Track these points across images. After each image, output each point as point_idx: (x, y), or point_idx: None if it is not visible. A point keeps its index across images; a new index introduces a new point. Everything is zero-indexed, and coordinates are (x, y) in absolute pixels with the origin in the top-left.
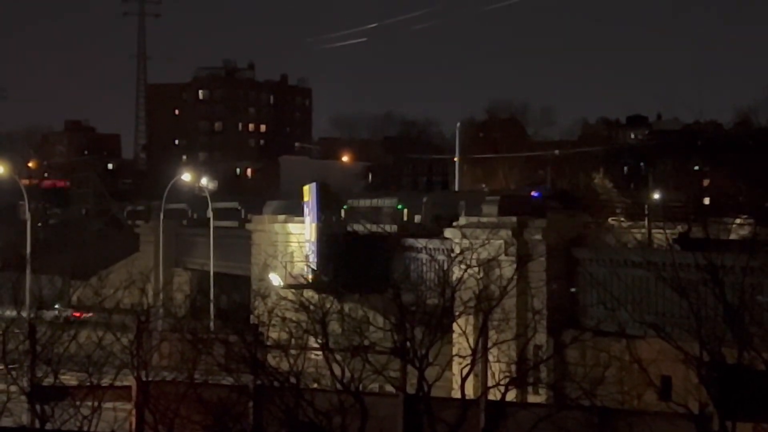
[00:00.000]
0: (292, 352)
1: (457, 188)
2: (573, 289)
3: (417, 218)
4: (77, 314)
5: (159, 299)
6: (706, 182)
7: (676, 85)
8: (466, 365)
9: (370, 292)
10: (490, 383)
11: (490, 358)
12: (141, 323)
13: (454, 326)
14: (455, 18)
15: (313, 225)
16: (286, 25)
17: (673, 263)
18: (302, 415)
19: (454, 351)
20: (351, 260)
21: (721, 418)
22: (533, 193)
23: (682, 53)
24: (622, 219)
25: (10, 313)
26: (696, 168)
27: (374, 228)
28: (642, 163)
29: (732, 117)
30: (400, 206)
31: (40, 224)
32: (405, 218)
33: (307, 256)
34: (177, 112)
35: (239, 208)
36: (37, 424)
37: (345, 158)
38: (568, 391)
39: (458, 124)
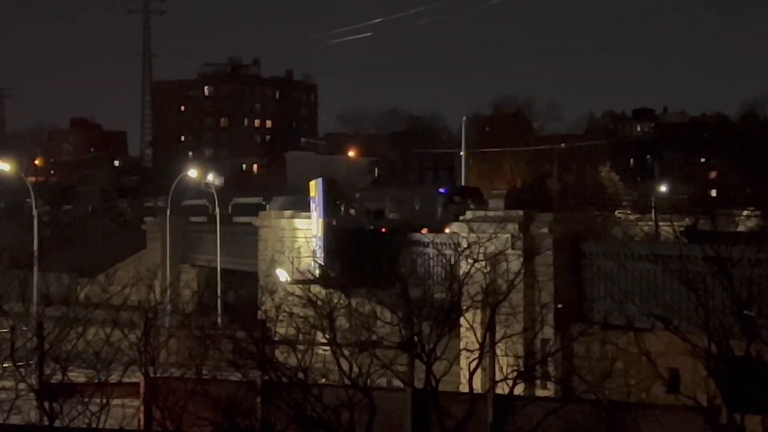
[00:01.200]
0: (300, 347)
1: (463, 183)
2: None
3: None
4: None
5: (166, 296)
6: (712, 174)
7: (682, 78)
8: (474, 359)
9: (377, 287)
10: (497, 377)
11: (498, 352)
12: (148, 320)
13: (462, 320)
14: (460, 13)
15: (320, 220)
16: (291, 21)
17: (681, 256)
18: (310, 410)
19: (462, 345)
20: (358, 255)
21: (730, 411)
22: (440, 190)
23: (688, 46)
24: (629, 212)
25: (17, 310)
26: (702, 160)
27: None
28: (648, 156)
29: (738, 109)
30: (339, 203)
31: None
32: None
33: (314, 252)
34: (183, 108)
35: (264, 203)
36: (46, 422)
37: (351, 153)
38: (575, 384)
39: (464, 119)
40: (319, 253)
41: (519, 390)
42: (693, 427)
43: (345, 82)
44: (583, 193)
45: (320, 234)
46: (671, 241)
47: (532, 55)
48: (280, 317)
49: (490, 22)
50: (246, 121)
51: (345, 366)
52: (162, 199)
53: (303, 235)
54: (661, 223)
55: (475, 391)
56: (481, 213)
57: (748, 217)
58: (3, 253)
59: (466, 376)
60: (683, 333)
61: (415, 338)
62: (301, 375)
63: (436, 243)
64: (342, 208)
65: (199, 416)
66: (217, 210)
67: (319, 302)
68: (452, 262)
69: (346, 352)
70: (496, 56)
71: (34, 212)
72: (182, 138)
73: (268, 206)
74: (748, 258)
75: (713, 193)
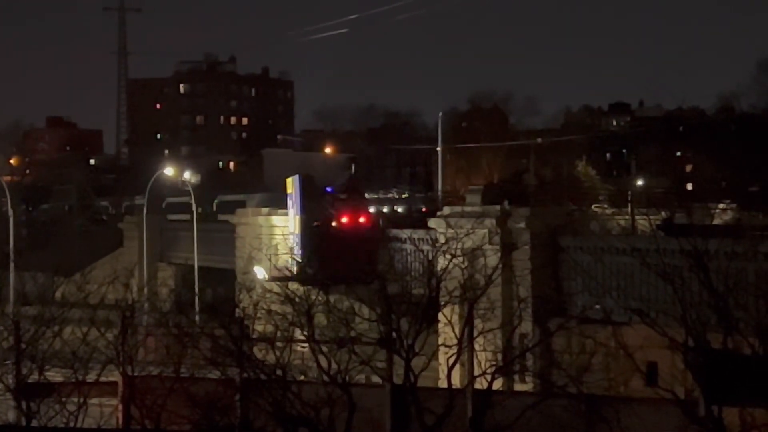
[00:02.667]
0: (278, 344)
1: (440, 179)
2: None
3: None
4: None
5: (144, 294)
6: (689, 168)
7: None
8: (453, 354)
9: (355, 283)
10: (476, 372)
11: (477, 347)
12: (126, 318)
13: (440, 316)
14: (436, 8)
15: (297, 217)
16: (267, 18)
17: (658, 249)
18: (289, 407)
19: (440, 341)
20: (336, 252)
21: (707, 403)
22: (326, 189)
23: (664, 40)
24: (606, 206)
25: None
26: (678, 154)
27: None
28: (625, 150)
29: (714, 103)
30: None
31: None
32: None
33: (291, 249)
34: (158, 106)
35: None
36: (24, 422)
37: (328, 150)
38: (554, 378)
39: (440, 115)
40: (297, 251)
41: (498, 385)
42: (671, 419)
43: (321, 78)
44: (560, 188)
45: (298, 231)
46: (648, 234)
47: (508, 50)
48: (258, 315)
49: (466, 17)
50: (222, 118)
51: (324, 363)
52: (139, 197)
53: (280, 233)
54: (637, 217)
55: (453, 387)
56: (458, 208)
57: (724, 210)
58: None
59: (444, 371)
60: (661, 326)
61: (394, 334)
62: (279, 372)
63: (414, 239)
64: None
65: (178, 414)
66: (194, 207)
67: (297, 299)
68: (430, 257)
69: (324, 349)
70: (472, 51)
71: (10, 212)
72: (158, 136)
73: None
74: (725, 251)
75: (689, 186)
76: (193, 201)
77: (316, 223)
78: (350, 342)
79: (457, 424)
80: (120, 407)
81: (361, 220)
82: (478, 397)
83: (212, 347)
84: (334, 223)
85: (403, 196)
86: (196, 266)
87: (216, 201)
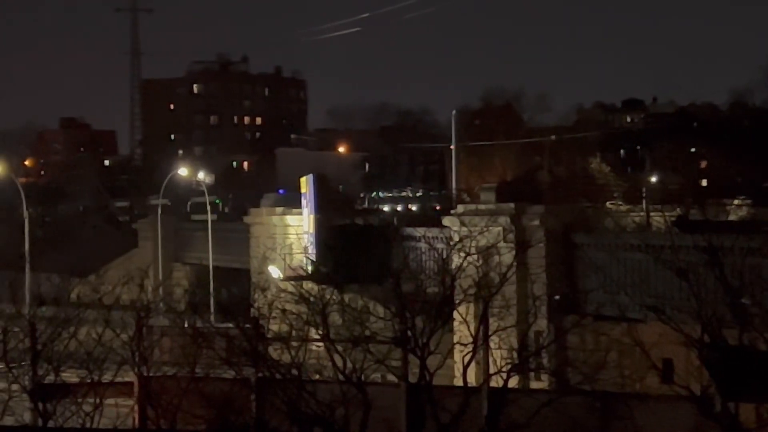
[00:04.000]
0: (293, 344)
1: (454, 177)
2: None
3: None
4: None
5: (158, 294)
6: (703, 164)
7: (671, 68)
8: (468, 353)
9: (369, 282)
10: (491, 370)
11: (492, 345)
12: (141, 319)
13: (455, 314)
14: (448, 6)
15: (311, 216)
16: (279, 18)
17: (672, 246)
18: (305, 406)
19: (455, 339)
20: (350, 251)
21: (723, 400)
22: (280, 191)
23: (677, 36)
24: (620, 203)
25: (9, 311)
26: (693, 150)
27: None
28: (638, 147)
29: (728, 98)
30: (217, 200)
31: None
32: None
33: (305, 248)
34: (172, 106)
35: (218, 201)
36: (40, 423)
37: (341, 149)
38: (569, 376)
39: (454, 113)
40: (311, 250)
41: (513, 383)
42: (687, 416)
43: (334, 77)
44: (574, 185)
45: (312, 230)
46: (663, 231)
47: (520, 47)
48: (273, 314)
49: (478, 14)
50: (235, 118)
51: (339, 362)
52: (153, 197)
53: (294, 232)
54: (652, 214)
55: (469, 385)
56: (472, 206)
57: (738, 206)
58: None
59: (460, 369)
60: (676, 323)
61: (409, 333)
62: (294, 371)
63: (428, 237)
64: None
65: (194, 414)
66: (209, 207)
67: (311, 298)
68: (444, 256)
69: (339, 348)
70: (484, 49)
71: (25, 213)
72: (172, 136)
73: (221, 204)
74: (740, 247)
75: (704, 182)
76: (207, 201)
77: None
78: (365, 341)
79: (472, 422)
80: (136, 407)
81: None
82: (493, 396)
83: (227, 347)
84: None
85: (417, 194)
86: (211, 266)
87: (189, 202)
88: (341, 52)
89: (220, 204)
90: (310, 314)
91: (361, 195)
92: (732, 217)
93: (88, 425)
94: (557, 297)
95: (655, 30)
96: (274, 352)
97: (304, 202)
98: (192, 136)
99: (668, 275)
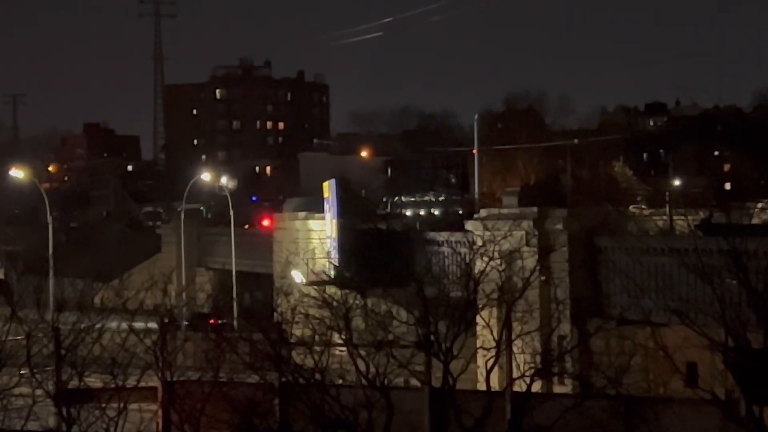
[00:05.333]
0: (317, 348)
1: (476, 181)
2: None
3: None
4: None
5: (182, 299)
6: (726, 167)
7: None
8: (491, 357)
9: (392, 286)
10: (515, 375)
11: (515, 349)
12: (164, 324)
13: (478, 319)
14: (470, 10)
15: (334, 221)
16: (302, 22)
17: (696, 249)
18: (328, 411)
19: (479, 343)
20: (373, 255)
21: (748, 403)
22: (252, 198)
23: (700, 39)
24: (644, 206)
25: (33, 316)
26: (716, 153)
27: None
28: (662, 150)
29: (751, 101)
30: (201, 207)
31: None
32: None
33: (328, 253)
34: (195, 112)
35: (160, 210)
36: (64, 427)
37: (364, 153)
38: (593, 380)
39: (476, 116)
40: (334, 254)
41: (537, 387)
42: (711, 420)
43: (356, 81)
44: (597, 189)
45: (335, 235)
46: (686, 234)
47: (542, 50)
48: (296, 319)
49: (501, 18)
50: (258, 123)
51: (362, 366)
52: (176, 202)
53: (317, 237)
54: (675, 217)
55: (492, 389)
56: (495, 211)
57: (763, 209)
58: (18, 259)
59: (483, 374)
60: (700, 326)
61: (432, 337)
62: (318, 376)
63: (451, 242)
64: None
65: (217, 419)
66: (231, 213)
67: (334, 303)
68: (467, 260)
69: (362, 353)
70: (506, 52)
71: (49, 218)
72: (195, 141)
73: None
74: (764, 250)
75: (727, 185)
76: (230, 206)
77: (246, 226)
78: (388, 345)
79: (496, 426)
80: (159, 412)
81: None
82: (516, 400)
83: (251, 352)
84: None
85: (440, 198)
86: (234, 271)
87: (142, 211)
88: (364, 57)
89: (204, 210)
90: (333, 319)
91: (384, 199)
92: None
93: (112, 430)
94: (576, 299)
95: (679, 33)
96: (297, 356)
97: (326, 206)
98: (215, 141)
99: (692, 279)
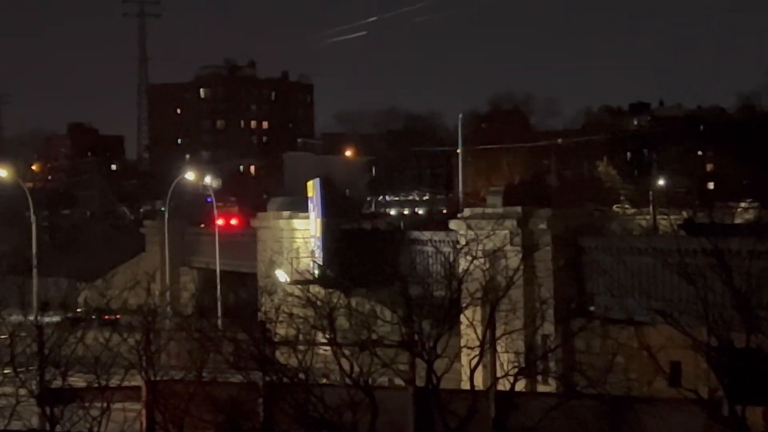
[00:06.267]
0: (301, 348)
1: (461, 181)
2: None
3: None
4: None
5: (165, 298)
6: (710, 167)
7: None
8: (475, 356)
9: (376, 286)
10: (499, 374)
11: (499, 348)
12: (148, 323)
13: (462, 318)
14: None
15: (318, 220)
16: (286, 22)
17: (679, 249)
18: (312, 410)
19: (463, 342)
20: (357, 255)
21: (731, 403)
22: (207, 199)
23: (684, 39)
24: (627, 206)
25: (16, 316)
26: (700, 153)
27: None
28: (646, 150)
29: (735, 101)
30: (162, 208)
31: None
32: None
33: (312, 252)
34: (179, 111)
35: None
36: (48, 427)
37: (348, 153)
38: (577, 379)
39: (461, 117)
40: (318, 254)
41: (520, 386)
42: (695, 419)
43: (341, 81)
44: (581, 189)
45: (319, 234)
46: (669, 234)
47: (528, 51)
48: (280, 318)
49: (486, 18)
50: (242, 122)
51: (346, 366)
52: (160, 202)
53: (301, 236)
54: (659, 217)
55: (476, 388)
56: (479, 210)
57: (745, 209)
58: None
59: (467, 373)
60: (683, 326)
61: (416, 336)
62: (302, 375)
63: (435, 241)
64: None
65: (201, 419)
66: (215, 212)
67: (318, 302)
68: (451, 259)
69: (346, 352)
70: (492, 53)
71: (32, 218)
72: (179, 141)
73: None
74: (747, 250)
75: (711, 185)
76: (214, 205)
77: (202, 225)
78: (372, 344)
79: (480, 425)
80: (143, 412)
81: (233, 221)
82: (501, 399)
83: (234, 351)
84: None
85: (424, 198)
86: (218, 270)
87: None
88: (348, 57)
89: (165, 211)
90: (317, 318)
91: (368, 199)
92: (739, 220)
93: (95, 430)
94: (573, 304)
95: (663, 33)
96: (281, 356)
97: (311, 206)
98: (199, 140)
99: (675, 279)
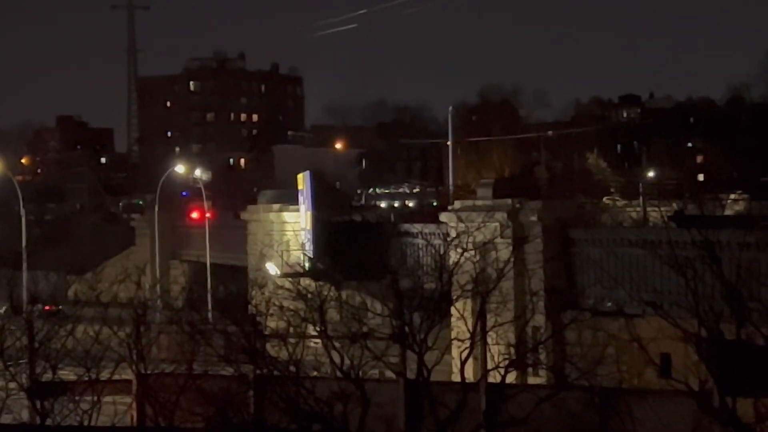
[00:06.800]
0: (291, 340)
1: (451, 173)
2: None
3: None
4: (47, 307)
5: (156, 291)
6: (699, 159)
7: (668, 64)
8: (465, 348)
9: (367, 278)
10: (489, 366)
11: (489, 340)
12: (138, 316)
13: (452, 310)
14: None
15: (308, 213)
16: (276, 15)
17: (669, 241)
18: (303, 403)
19: (453, 335)
20: (347, 247)
21: (721, 394)
22: (182, 193)
23: (674, 31)
24: (617, 198)
25: (5, 309)
26: (689, 145)
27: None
28: (635, 142)
29: (725, 93)
30: (139, 201)
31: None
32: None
33: (303, 245)
34: (169, 104)
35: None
36: (38, 421)
37: (338, 146)
38: (567, 371)
39: (450, 109)
40: (309, 246)
41: (511, 378)
42: (685, 411)
43: (331, 74)
44: (571, 181)
45: (309, 227)
46: (659, 226)
47: (517, 43)
48: (271, 311)
49: (475, 10)
50: (232, 115)
51: (337, 358)
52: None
53: (292, 229)
54: (649, 209)
55: (467, 380)
56: (469, 202)
57: (735, 200)
58: None
59: (457, 365)
60: (673, 318)
61: (406, 329)
62: (293, 368)
63: (425, 233)
64: None
65: (192, 411)
66: (206, 205)
67: (309, 295)
68: (441, 252)
69: (337, 345)
70: (481, 45)
71: (22, 211)
72: (169, 134)
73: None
74: (737, 241)
75: (701, 177)
76: (204, 199)
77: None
78: (363, 337)
79: (470, 418)
80: (134, 405)
81: (194, 215)
82: (491, 391)
83: (225, 344)
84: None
85: (414, 190)
86: (208, 263)
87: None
88: (338, 49)
89: (143, 204)
90: (308, 311)
91: (358, 191)
92: (729, 212)
93: (86, 423)
94: (550, 290)
95: (652, 25)
96: (272, 349)
97: (300, 198)
98: (189, 133)
99: (665, 270)
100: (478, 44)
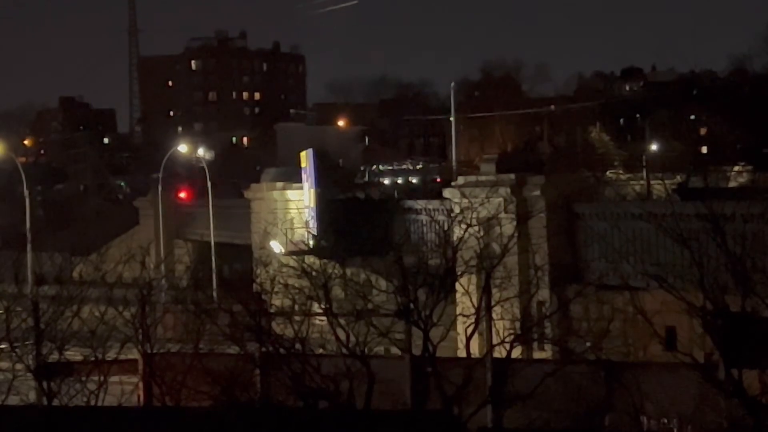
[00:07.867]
0: (296, 318)
1: (454, 149)
2: None
3: None
4: None
5: (160, 271)
6: (703, 131)
7: (670, 36)
8: (471, 324)
9: (371, 255)
10: (495, 341)
11: (494, 316)
12: (143, 296)
13: (457, 286)
14: None
15: (312, 191)
16: None
17: (673, 214)
18: (309, 380)
19: (458, 310)
20: (351, 225)
21: (727, 366)
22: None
23: (675, 3)
24: (621, 172)
25: (11, 291)
26: (692, 117)
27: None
28: (638, 115)
29: (727, 65)
30: (122, 183)
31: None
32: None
33: (306, 222)
34: (170, 83)
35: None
36: (45, 401)
37: (341, 123)
38: (573, 345)
39: (453, 84)
40: (312, 224)
41: (517, 353)
42: (691, 384)
43: (333, 51)
44: (574, 155)
45: (313, 205)
46: (663, 199)
47: (519, 17)
48: (276, 289)
49: None
50: (234, 94)
51: (342, 336)
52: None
53: (295, 207)
54: (652, 182)
55: (472, 356)
56: (473, 178)
57: (739, 172)
58: None
59: (463, 341)
60: (678, 291)
61: (411, 305)
62: (298, 346)
63: (429, 209)
64: None
65: (198, 391)
66: (209, 184)
67: (313, 273)
68: (445, 228)
69: (342, 322)
70: (483, 20)
71: (26, 192)
72: (171, 113)
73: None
74: (741, 213)
75: (704, 149)
76: (208, 177)
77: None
78: (368, 314)
79: (476, 393)
80: (140, 385)
81: (182, 195)
82: (497, 366)
83: (230, 323)
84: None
85: (418, 167)
86: (212, 242)
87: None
88: (340, 26)
89: (124, 186)
90: (313, 289)
91: (362, 168)
92: (732, 184)
93: (92, 403)
94: (555, 265)
95: None
96: (277, 327)
97: (304, 176)
98: (191, 112)
99: (670, 243)
100: (480, 19)
